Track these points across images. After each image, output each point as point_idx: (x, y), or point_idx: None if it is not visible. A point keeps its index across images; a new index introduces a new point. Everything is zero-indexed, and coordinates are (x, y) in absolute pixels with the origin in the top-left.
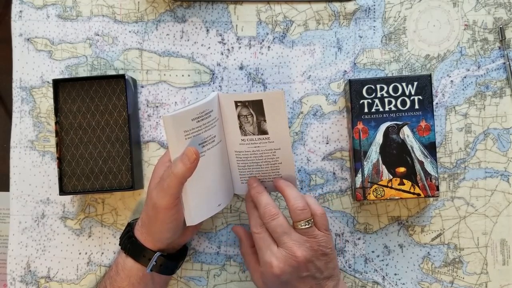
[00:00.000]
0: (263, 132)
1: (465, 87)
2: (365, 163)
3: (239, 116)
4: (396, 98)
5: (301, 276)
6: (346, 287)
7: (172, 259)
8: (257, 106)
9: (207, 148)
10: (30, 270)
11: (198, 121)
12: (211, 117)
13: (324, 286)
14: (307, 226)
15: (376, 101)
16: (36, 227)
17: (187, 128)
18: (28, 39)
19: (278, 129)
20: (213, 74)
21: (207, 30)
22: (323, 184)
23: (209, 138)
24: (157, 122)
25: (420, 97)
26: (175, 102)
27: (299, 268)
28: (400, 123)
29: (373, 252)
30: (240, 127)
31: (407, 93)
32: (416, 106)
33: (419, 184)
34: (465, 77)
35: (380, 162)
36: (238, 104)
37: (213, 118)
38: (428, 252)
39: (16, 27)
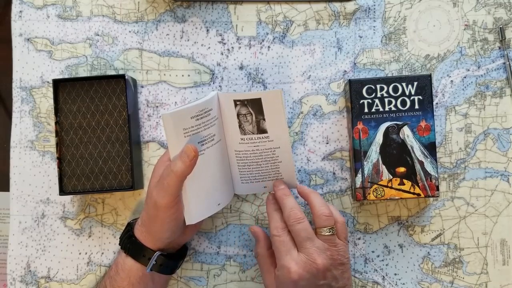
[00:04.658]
0: (262, 131)
1: (465, 87)
2: (365, 163)
3: (238, 115)
4: (396, 98)
5: (318, 284)
6: None
7: (172, 259)
8: (256, 105)
9: (207, 146)
10: (30, 270)
11: (197, 119)
12: (210, 116)
13: None
14: (330, 233)
15: (376, 101)
16: (36, 227)
17: (186, 126)
18: (28, 39)
19: (277, 128)
20: (213, 74)
21: (207, 30)
22: (323, 184)
23: (209, 137)
24: (157, 122)
25: (420, 97)
26: (175, 102)
27: (317, 276)
28: (400, 123)
29: (373, 252)
30: (240, 126)
31: (407, 93)
32: (416, 106)
33: (419, 184)
34: (465, 77)
35: (380, 162)
36: (237, 103)
37: (213, 117)
38: (428, 252)
39: (16, 27)
